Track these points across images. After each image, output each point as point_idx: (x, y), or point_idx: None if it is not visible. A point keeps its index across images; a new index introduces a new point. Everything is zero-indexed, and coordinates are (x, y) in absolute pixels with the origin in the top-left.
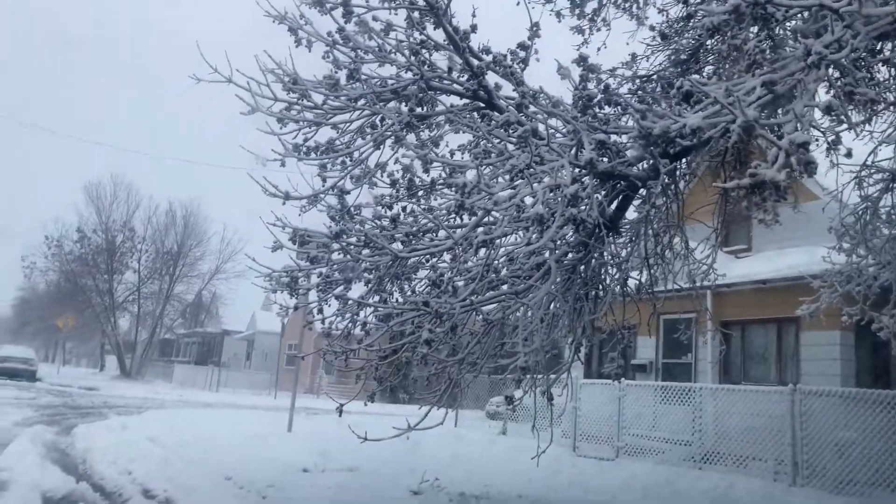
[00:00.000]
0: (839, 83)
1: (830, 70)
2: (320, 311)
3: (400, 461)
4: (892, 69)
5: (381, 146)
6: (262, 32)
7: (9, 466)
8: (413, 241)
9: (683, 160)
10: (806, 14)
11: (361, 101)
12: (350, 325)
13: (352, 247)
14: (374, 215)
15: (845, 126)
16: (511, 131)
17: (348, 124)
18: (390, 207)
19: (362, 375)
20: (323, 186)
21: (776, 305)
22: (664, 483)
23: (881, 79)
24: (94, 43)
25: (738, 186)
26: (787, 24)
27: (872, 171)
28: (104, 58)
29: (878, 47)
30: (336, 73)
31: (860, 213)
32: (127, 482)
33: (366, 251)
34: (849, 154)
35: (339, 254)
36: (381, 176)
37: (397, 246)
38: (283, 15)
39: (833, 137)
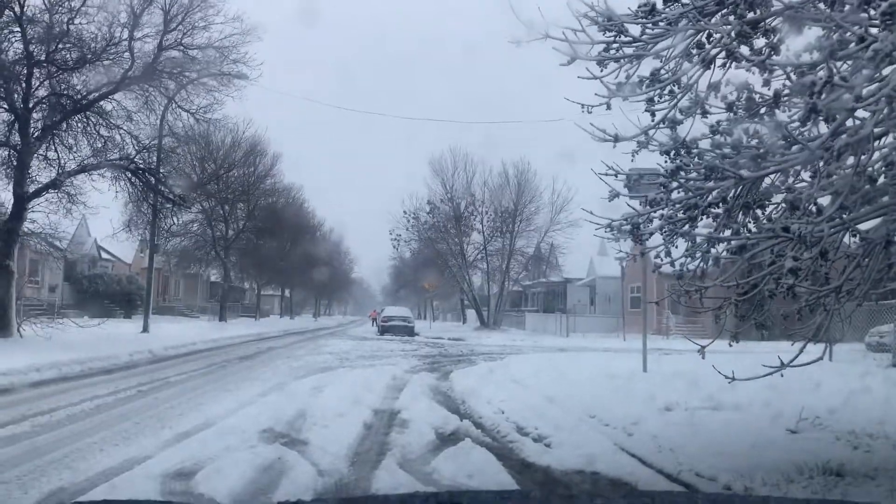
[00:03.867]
0: None
1: None
2: (668, 253)
3: (770, 401)
4: None
5: (711, 65)
6: None
7: (406, 407)
8: (761, 165)
9: None
10: None
11: (683, 23)
12: (702, 263)
13: (692, 182)
14: (713, 144)
15: None
16: (872, 10)
17: (671, 50)
18: (730, 134)
19: (720, 315)
20: (652, 122)
21: None
22: None
23: None
24: (417, 42)
25: None
26: None
27: None
28: (429, 47)
29: None
30: None
31: None
32: (501, 420)
33: (709, 184)
34: None
35: (678, 192)
36: (714, 100)
37: (745, 173)
38: None
39: None
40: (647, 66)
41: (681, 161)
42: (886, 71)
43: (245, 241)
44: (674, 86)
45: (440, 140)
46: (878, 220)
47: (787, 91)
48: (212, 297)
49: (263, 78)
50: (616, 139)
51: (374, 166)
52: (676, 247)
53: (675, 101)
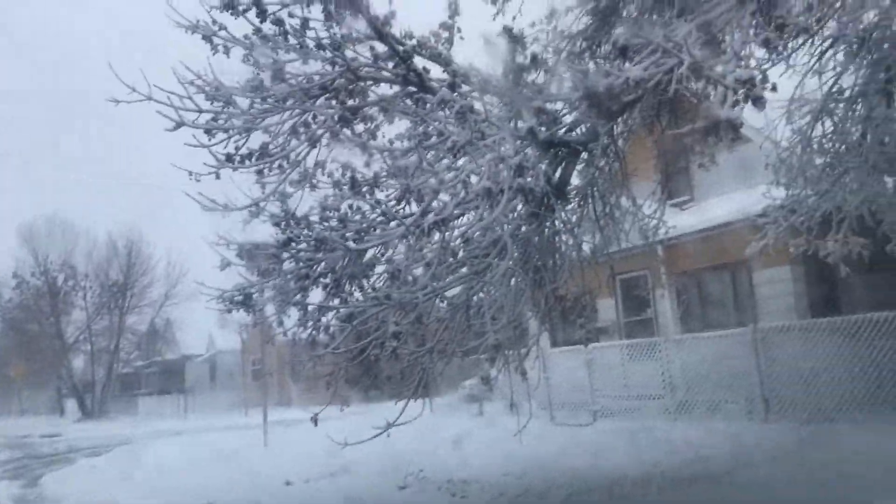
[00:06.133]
0: (770, 17)
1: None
2: (280, 323)
3: (382, 460)
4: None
5: (317, 144)
6: (177, 42)
7: None
8: (365, 238)
9: (620, 119)
10: None
11: (290, 102)
12: (313, 331)
13: (302, 253)
14: (322, 217)
15: (770, 64)
16: (447, 110)
17: (280, 126)
18: (337, 209)
19: (332, 381)
20: (262, 194)
21: (726, 250)
22: (639, 439)
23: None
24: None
25: (693, 130)
26: None
27: (801, 103)
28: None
29: None
30: (259, 75)
31: (793, 146)
32: None
33: (318, 255)
34: (774, 88)
35: (290, 262)
36: (322, 176)
37: (350, 245)
38: (196, 24)
39: (761, 76)
40: (258, 139)
41: (291, 233)
42: (461, 161)
43: None
44: (283, 160)
45: (31, 206)
46: (460, 288)
47: (385, 173)
48: None
49: None
50: (225, 209)
51: None
52: (289, 316)
53: (285, 175)
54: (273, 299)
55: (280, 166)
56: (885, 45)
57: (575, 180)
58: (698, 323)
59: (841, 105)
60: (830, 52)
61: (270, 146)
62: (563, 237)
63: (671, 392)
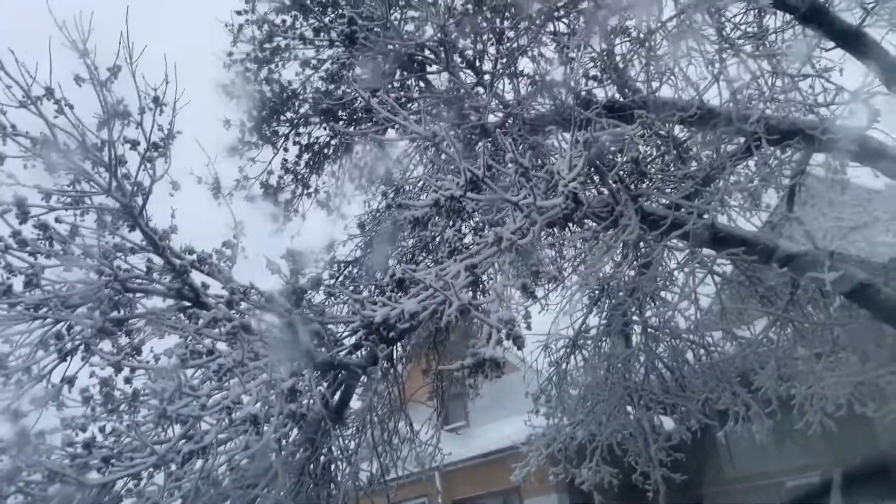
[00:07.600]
0: (526, 265)
1: (516, 254)
2: None
3: None
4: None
5: (69, 357)
6: None
7: None
8: (114, 467)
9: (399, 344)
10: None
11: (43, 310)
12: None
13: (33, 486)
14: (64, 441)
15: (531, 302)
16: (220, 328)
17: (27, 336)
18: (83, 430)
19: None
20: None
21: (498, 477)
22: None
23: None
24: None
25: (462, 367)
26: (475, 216)
27: (555, 338)
28: None
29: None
30: (9, 279)
31: (550, 377)
32: None
33: (53, 488)
34: (529, 327)
35: (16, 496)
36: (71, 392)
37: (94, 475)
38: None
39: (522, 314)
40: None
41: (22, 460)
42: (229, 384)
43: None
44: (24, 374)
45: None
46: None
47: (146, 391)
48: None
49: None
50: None
51: None
52: None
53: (22, 392)
54: None
55: (19, 381)
56: (620, 293)
57: (355, 404)
58: None
59: (589, 342)
60: (578, 295)
61: (10, 357)
62: (340, 464)
63: None
